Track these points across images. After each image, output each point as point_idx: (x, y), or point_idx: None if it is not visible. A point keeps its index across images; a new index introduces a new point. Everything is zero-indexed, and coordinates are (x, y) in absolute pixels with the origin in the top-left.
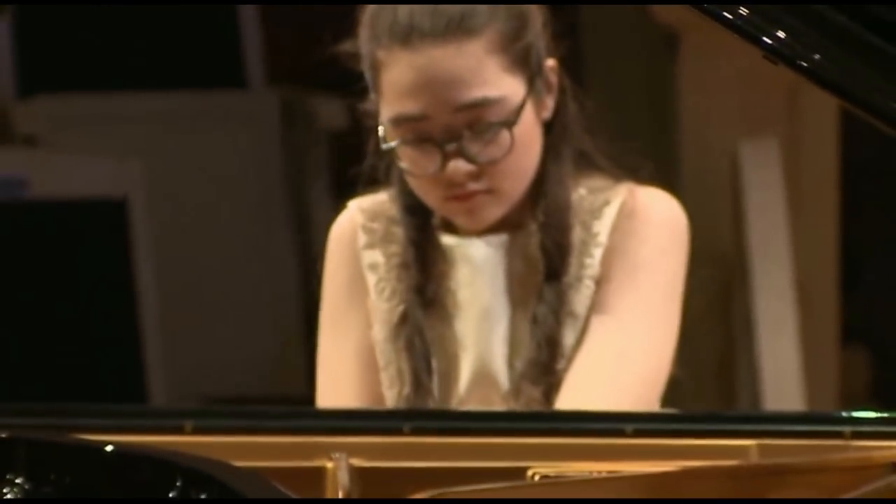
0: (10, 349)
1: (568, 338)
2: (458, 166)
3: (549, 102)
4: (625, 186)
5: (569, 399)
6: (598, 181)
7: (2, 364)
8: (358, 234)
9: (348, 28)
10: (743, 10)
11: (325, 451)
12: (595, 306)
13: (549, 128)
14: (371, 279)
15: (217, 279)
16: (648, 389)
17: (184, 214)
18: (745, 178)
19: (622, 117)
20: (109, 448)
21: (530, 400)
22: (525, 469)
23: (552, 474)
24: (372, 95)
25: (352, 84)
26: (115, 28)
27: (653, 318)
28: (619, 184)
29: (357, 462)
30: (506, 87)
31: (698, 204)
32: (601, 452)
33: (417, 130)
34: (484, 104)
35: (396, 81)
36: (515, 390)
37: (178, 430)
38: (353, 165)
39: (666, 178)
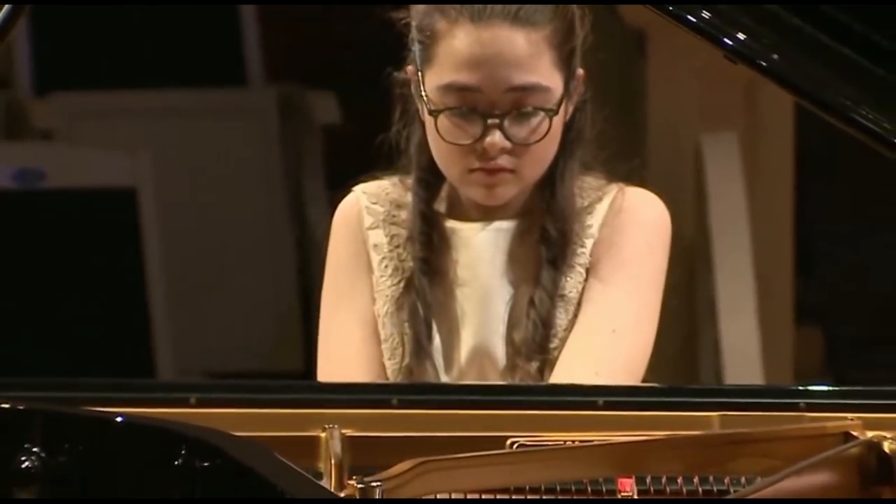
0: (28, 327)
1: (560, 319)
2: (496, 141)
3: (570, 107)
4: (615, 185)
5: (563, 376)
6: (591, 180)
7: (21, 341)
8: (363, 215)
9: (341, 29)
10: (705, 14)
11: (319, 422)
12: (588, 293)
13: (566, 129)
14: (375, 258)
15: (220, 263)
16: (635, 367)
17: (189, 203)
18: (707, 169)
19: (594, 111)
20: (120, 419)
21: (525, 375)
22: (504, 438)
23: (529, 443)
24: (413, 65)
25: (344, 81)
26: (124, 30)
27: (639, 304)
28: (610, 183)
29: (348, 432)
30: (553, 80)
31: (664, 193)
32: (575, 423)
33: (466, 100)
34: (534, 89)
35: (458, 51)
36: (512, 366)
37: (184, 403)
38: (345, 156)
39: (633, 169)
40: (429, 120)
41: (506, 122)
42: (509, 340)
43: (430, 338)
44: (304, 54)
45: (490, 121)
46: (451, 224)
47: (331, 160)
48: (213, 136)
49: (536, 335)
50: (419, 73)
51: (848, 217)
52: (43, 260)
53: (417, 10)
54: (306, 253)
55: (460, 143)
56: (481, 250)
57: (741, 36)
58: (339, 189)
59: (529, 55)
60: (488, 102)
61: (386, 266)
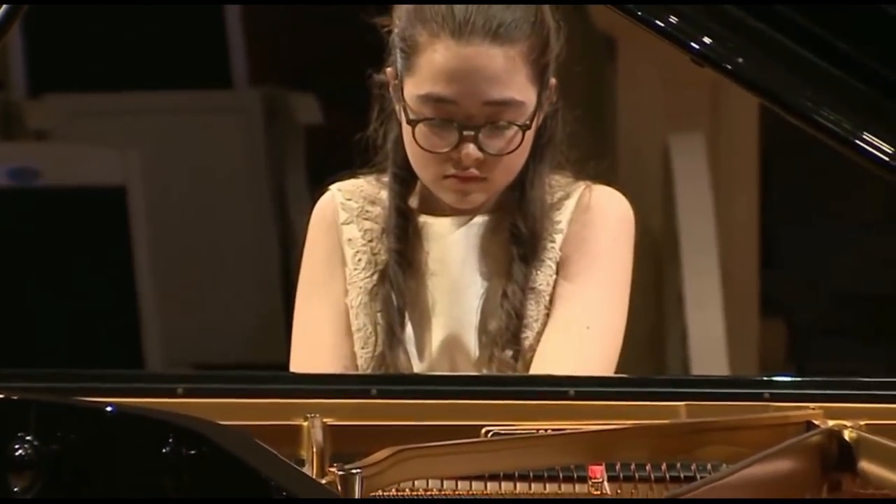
0: (21, 320)
1: (531, 311)
2: (470, 152)
3: (541, 115)
4: (583, 183)
5: (542, 368)
6: (560, 178)
7: (15, 333)
8: (338, 211)
9: (322, 33)
10: (673, 19)
11: (301, 411)
12: (561, 290)
13: (537, 136)
14: (349, 251)
15: (206, 258)
16: (609, 360)
17: (177, 200)
18: (675, 168)
19: (565, 112)
20: (110, 409)
21: (502, 363)
22: (479, 427)
23: (503, 432)
24: (392, 69)
25: (326, 83)
26: (115, 34)
27: (611, 300)
28: (577, 181)
29: (329, 421)
30: (528, 94)
31: (632, 191)
32: (547, 412)
33: (443, 111)
34: (509, 104)
35: (438, 64)
36: (489, 355)
37: (171, 393)
38: (326, 154)
39: (603, 168)
40: (406, 127)
41: (480, 135)
42: (483, 330)
43: (402, 326)
44: (286, 57)
45: (466, 132)
46: (424, 219)
47: (313, 158)
48: (199, 136)
49: (510, 325)
50: (399, 79)
51: (810, 213)
52: (37, 253)
53: (400, 16)
54: (289, 248)
55: (436, 151)
56: (453, 244)
57: (707, 40)
58: (320, 186)
59: (506, 71)
60: (465, 115)
61: (359, 259)
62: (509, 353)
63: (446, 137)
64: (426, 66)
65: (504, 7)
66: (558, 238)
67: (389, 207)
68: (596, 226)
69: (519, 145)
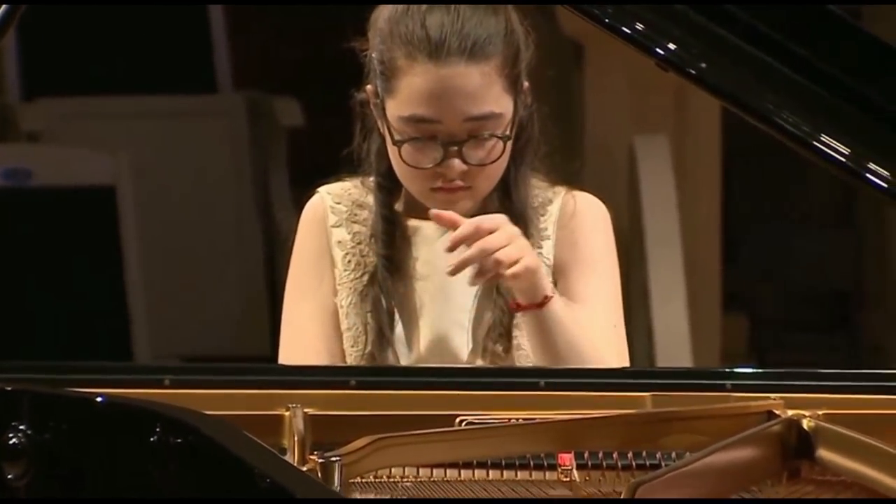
0: (15, 314)
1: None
2: (454, 164)
3: (518, 118)
4: (561, 188)
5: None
6: (537, 182)
7: (8, 326)
8: (327, 214)
9: (304, 40)
10: (639, 26)
11: (283, 401)
12: (566, 296)
13: (517, 136)
14: (339, 253)
15: (193, 255)
16: (618, 353)
17: (164, 200)
18: (640, 168)
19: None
20: (100, 399)
21: (495, 356)
22: (453, 416)
23: (477, 421)
24: (371, 87)
25: (307, 87)
26: (105, 40)
27: (611, 299)
28: (554, 185)
29: (310, 411)
30: (505, 105)
31: (599, 190)
32: (518, 402)
33: (426, 130)
34: (489, 118)
35: (417, 87)
36: (483, 349)
37: (159, 385)
38: (308, 156)
39: (570, 169)
40: (392, 147)
41: (464, 148)
42: (475, 329)
43: (392, 328)
44: (270, 62)
45: (450, 148)
46: (411, 222)
47: (295, 159)
48: (186, 138)
49: (504, 319)
50: (380, 98)
51: (770, 212)
52: (29, 251)
53: (376, 37)
54: (273, 246)
55: (422, 167)
56: (441, 247)
57: (671, 46)
58: (302, 186)
59: (483, 86)
60: (447, 132)
61: (349, 261)
62: (500, 347)
63: (431, 154)
64: (406, 89)
65: (476, 22)
66: (546, 244)
67: (376, 215)
68: (586, 233)
69: (501, 154)
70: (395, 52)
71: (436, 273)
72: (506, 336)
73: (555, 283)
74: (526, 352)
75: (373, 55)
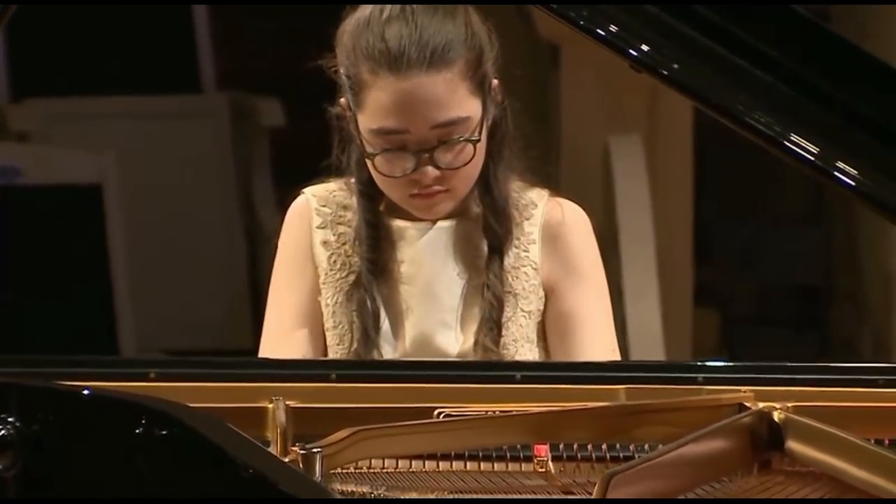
0: (4, 308)
1: (507, 311)
2: (428, 171)
3: (492, 114)
4: (543, 192)
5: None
6: (520, 184)
7: None
8: (312, 215)
9: (286, 43)
10: (613, 28)
11: (266, 394)
12: (560, 312)
13: (491, 133)
14: (324, 253)
15: (177, 251)
16: (615, 345)
17: (150, 197)
18: (614, 167)
19: (513, 113)
20: (87, 392)
21: (486, 349)
22: (432, 409)
23: (454, 413)
24: (344, 100)
25: (289, 89)
26: (93, 43)
27: (608, 319)
28: (533, 186)
29: (292, 403)
30: (471, 108)
31: (574, 188)
32: (495, 395)
33: (396, 141)
34: (456, 122)
35: (382, 101)
36: (474, 342)
37: (144, 378)
38: (289, 156)
39: (545, 168)
40: (367, 159)
41: (435, 154)
42: (466, 322)
43: (377, 329)
44: (252, 65)
45: (421, 156)
46: (396, 224)
47: (277, 158)
48: (171, 138)
49: (493, 313)
50: (352, 112)
51: (741, 210)
52: (18, 247)
53: (342, 53)
54: (255, 242)
55: (396, 176)
56: (425, 246)
57: (644, 47)
58: (284, 184)
59: (448, 93)
60: (417, 140)
61: (334, 261)
62: (490, 340)
63: (404, 163)
64: (373, 103)
65: (435, 30)
66: (533, 248)
67: (359, 220)
68: (575, 243)
69: (473, 156)
70: (360, 67)
71: (420, 273)
72: (496, 330)
73: (545, 295)
74: (511, 352)
75: (341, 70)
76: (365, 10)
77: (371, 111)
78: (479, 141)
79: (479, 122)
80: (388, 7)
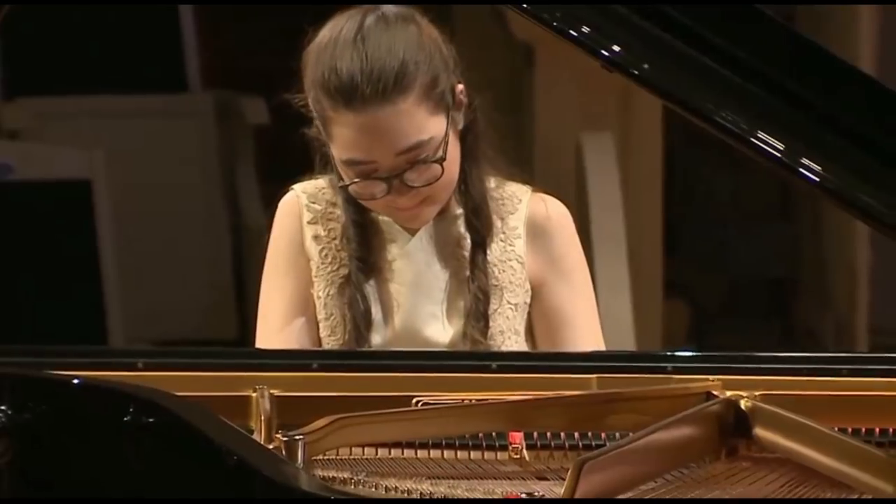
0: None
1: (494, 304)
2: (402, 193)
3: (461, 118)
4: (526, 186)
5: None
6: (501, 180)
7: None
8: (303, 211)
9: (271, 42)
10: (585, 29)
11: (250, 383)
12: (548, 309)
13: (463, 135)
14: (316, 248)
15: (164, 245)
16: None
17: (138, 193)
18: (587, 164)
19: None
20: (77, 381)
21: (474, 340)
22: (410, 397)
23: (432, 402)
24: (317, 128)
25: (273, 88)
26: (82, 43)
27: (594, 316)
28: (515, 183)
29: (275, 392)
30: (433, 128)
31: (548, 185)
32: (471, 384)
33: (365, 170)
34: (420, 146)
35: (346, 135)
36: (462, 334)
37: (132, 367)
38: (273, 153)
39: (521, 164)
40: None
41: (405, 176)
42: (452, 314)
43: (368, 325)
44: (237, 64)
45: (392, 181)
46: (384, 220)
47: (261, 155)
48: (158, 136)
49: (479, 305)
50: (325, 139)
51: (709, 206)
52: (10, 242)
53: (307, 82)
54: (240, 237)
55: (373, 200)
56: (412, 243)
57: (616, 48)
58: (268, 180)
59: (407, 120)
60: (385, 168)
61: (326, 255)
62: (478, 332)
63: (376, 188)
64: (338, 137)
65: (387, 57)
66: (518, 243)
67: (346, 222)
68: (562, 240)
69: (443, 171)
70: (322, 102)
71: (409, 269)
72: (483, 322)
73: (532, 290)
74: (498, 343)
75: (309, 100)
76: (324, 35)
77: (338, 144)
78: (444, 159)
79: (444, 138)
80: (343, 29)
